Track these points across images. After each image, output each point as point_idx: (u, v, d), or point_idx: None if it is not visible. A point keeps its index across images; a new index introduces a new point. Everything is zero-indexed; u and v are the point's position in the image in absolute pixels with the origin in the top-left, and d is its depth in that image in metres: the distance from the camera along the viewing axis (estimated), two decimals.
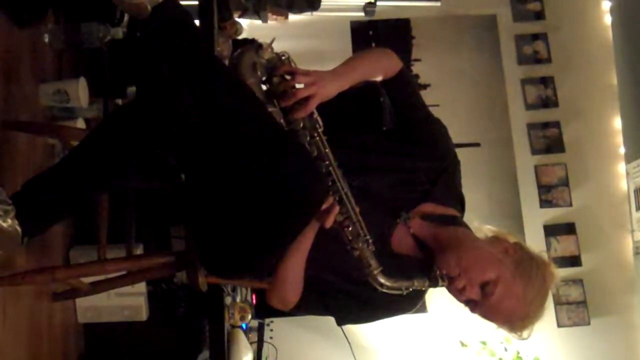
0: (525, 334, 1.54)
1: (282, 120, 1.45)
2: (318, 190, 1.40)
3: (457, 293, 1.51)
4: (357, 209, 1.47)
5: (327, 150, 1.45)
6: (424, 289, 1.49)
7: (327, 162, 1.45)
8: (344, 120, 1.72)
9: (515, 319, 1.52)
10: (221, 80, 1.40)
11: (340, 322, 1.72)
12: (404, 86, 1.65)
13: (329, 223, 1.44)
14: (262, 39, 1.52)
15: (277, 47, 1.49)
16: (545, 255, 1.59)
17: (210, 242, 1.53)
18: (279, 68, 1.46)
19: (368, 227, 1.47)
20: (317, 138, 1.46)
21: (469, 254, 1.51)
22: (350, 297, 1.60)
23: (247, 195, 1.39)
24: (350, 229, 1.46)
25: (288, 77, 1.46)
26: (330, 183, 1.45)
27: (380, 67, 1.62)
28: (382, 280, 1.44)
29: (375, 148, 1.66)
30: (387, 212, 1.59)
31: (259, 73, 1.46)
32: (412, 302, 1.63)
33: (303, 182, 1.37)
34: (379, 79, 1.62)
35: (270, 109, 1.44)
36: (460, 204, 1.69)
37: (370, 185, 1.59)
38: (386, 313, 1.66)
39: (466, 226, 1.64)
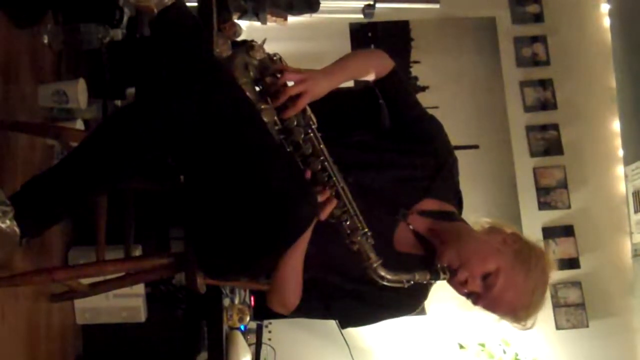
0: (529, 323, 1.55)
1: (276, 118, 1.45)
2: (308, 206, 1.40)
3: (459, 286, 1.52)
4: (354, 203, 1.47)
5: (321, 146, 1.46)
6: (425, 282, 1.49)
7: (321, 158, 1.45)
8: (343, 121, 1.72)
9: (519, 308, 1.52)
10: (221, 84, 1.40)
11: (344, 325, 1.72)
12: (397, 85, 1.66)
13: (324, 214, 1.43)
14: (260, 40, 1.52)
15: (276, 49, 1.50)
16: (542, 244, 1.60)
17: (208, 243, 1.53)
18: (271, 68, 1.46)
19: (368, 224, 1.47)
20: (312, 135, 1.46)
21: (468, 246, 1.52)
22: (352, 297, 1.60)
23: (245, 197, 1.39)
24: (348, 222, 1.46)
25: (279, 76, 1.46)
26: (325, 179, 1.45)
27: (371, 65, 1.62)
28: (382, 273, 1.43)
29: (373, 146, 1.67)
30: (386, 209, 1.60)
31: (251, 73, 1.46)
32: (415, 301, 1.64)
33: (294, 195, 1.37)
34: (371, 78, 1.63)
35: (263, 107, 1.44)
36: (457, 200, 1.69)
37: (368, 181, 1.59)
38: (389, 312, 1.66)
39: (463, 221, 1.65)
